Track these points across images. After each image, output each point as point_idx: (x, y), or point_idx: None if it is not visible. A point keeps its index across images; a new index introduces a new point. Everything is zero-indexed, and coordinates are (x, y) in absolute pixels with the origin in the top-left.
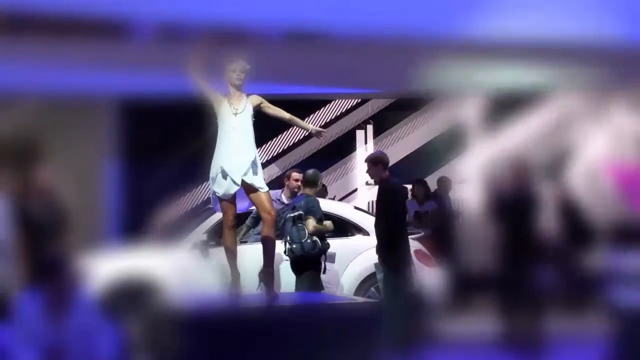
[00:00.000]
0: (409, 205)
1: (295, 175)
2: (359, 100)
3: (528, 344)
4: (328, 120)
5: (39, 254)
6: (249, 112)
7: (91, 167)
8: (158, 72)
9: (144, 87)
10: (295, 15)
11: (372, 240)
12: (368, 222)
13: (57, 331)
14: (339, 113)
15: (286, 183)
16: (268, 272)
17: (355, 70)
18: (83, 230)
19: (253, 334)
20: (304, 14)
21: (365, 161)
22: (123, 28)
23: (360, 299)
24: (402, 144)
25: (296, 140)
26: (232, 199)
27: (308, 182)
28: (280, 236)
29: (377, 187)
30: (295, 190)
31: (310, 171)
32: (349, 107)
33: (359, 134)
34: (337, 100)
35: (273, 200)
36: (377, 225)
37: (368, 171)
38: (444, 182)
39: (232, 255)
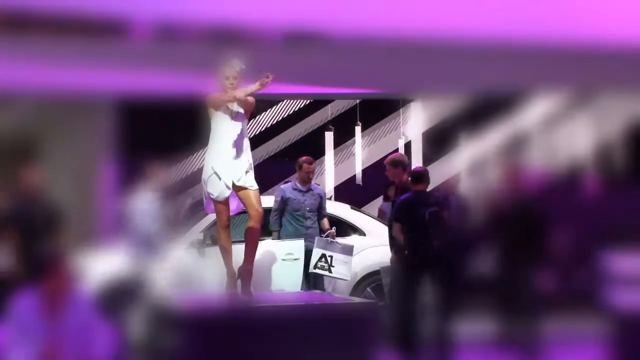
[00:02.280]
0: (383, 206)
1: (307, 167)
2: (310, 101)
3: (526, 345)
4: (280, 119)
5: (35, 252)
6: (242, 114)
7: (88, 166)
8: (156, 72)
9: (143, 86)
10: (293, 16)
11: (368, 240)
12: (364, 222)
13: (53, 330)
14: (290, 112)
15: (298, 172)
16: (247, 270)
17: (354, 71)
18: (80, 228)
19: (249, 334)
20: (302, 14)
21: (385, 163)
22: (122, 27)
23: (356, 300)
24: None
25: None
26: (225, 201)
27: (422, 178)
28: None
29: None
30: (310, 178)
31: (420, 168)
32: (301, 107)
33: (328, 135)
34: (285, 101)
35: (295, 189)
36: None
37: (388, 172)
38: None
39: (227, 254)
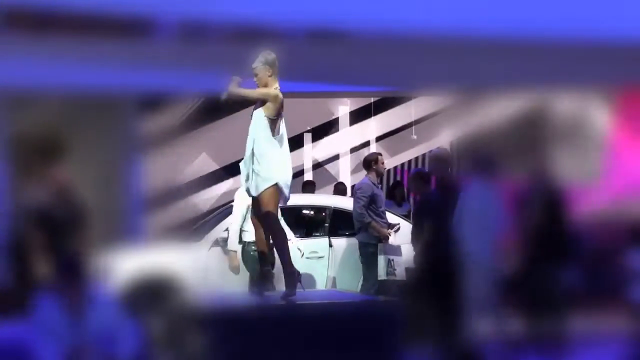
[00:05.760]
0: (387, 205)
1: (382, 158)
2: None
3: (551, 344)
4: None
5: (60, 251)
6: (258, 114)
7: (112, 164)
8: (180, 71)
9: (167, 85)
10: (317, 13)
11: (392, 239)
12: (390, 221)
13: (78, 329)
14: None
15: (374, 167)
16: (268, 271)
17: (375, 68)
18: (104, 227)
19: (273, 332)
20: (325, 12)
21: (429, 157)
22: (146, 26)
23: (381, 298)
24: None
25: None
26: (254, 199)
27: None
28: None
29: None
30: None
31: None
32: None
33: (306, 136)
34: None
35: (374, 185)
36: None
37: (430, 167)
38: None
39: (260, 254)
